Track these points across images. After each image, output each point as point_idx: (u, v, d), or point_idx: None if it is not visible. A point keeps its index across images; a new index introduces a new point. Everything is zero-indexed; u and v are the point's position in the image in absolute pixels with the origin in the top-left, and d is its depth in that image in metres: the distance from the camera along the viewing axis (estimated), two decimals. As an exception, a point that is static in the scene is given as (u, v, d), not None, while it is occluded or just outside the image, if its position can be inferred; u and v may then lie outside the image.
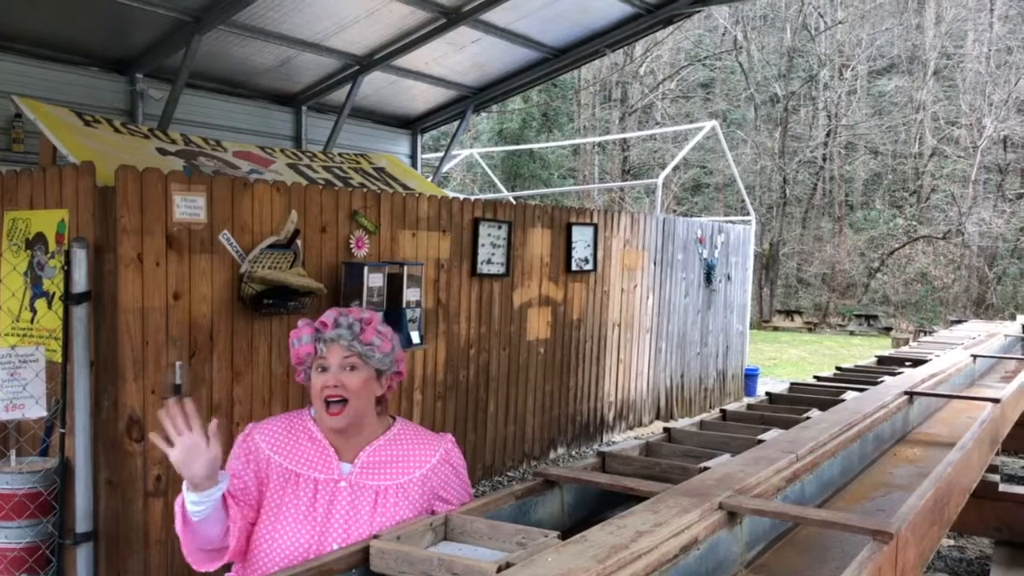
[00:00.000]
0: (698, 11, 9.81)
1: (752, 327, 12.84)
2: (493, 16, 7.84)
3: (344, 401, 1.97)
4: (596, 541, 1.79)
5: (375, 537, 1.86)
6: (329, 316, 2.02)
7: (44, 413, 3.95)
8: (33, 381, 3.87)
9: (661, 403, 9.11)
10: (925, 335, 9.85)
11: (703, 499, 2.12)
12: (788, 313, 25.00)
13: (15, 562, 3.76)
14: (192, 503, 1.87)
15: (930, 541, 2.51)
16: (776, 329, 23.52)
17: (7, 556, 3.76)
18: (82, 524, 3.90)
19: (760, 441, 2.97)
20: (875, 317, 24.06)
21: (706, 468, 2.54)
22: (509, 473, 6.86)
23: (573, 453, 7.60)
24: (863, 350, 16.32)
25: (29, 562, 3.81)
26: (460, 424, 6.32)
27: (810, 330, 23.73)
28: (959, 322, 9.96)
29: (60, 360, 3.98)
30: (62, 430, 3.99)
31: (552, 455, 7.43)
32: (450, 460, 2.13)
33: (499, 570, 1.66)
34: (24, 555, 3.79)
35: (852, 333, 23.10)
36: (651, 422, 8.84)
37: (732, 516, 2.13)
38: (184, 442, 1.83)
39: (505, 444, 6.86)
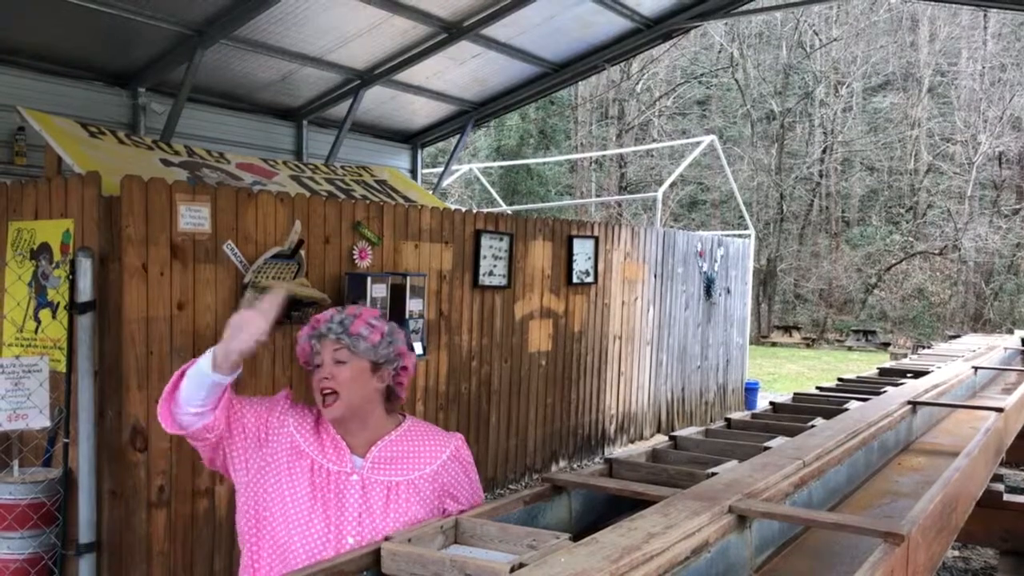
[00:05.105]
0: (696, 26, 9.91)
1: (750, 343, 12.85)
2: (494, 31, 7.91)
3: (335, 393, 2.00)
4: (608, 542, 1.79)
5: (387, 539, 1.87)
6: (326, 314, 2.08)
7: (48, 423, 3.95)
8: (37, 391, 3.86)
9: (662, 416, 9.10)
10: (924, 350, 9.87)
11: (713, 503, 2.12)
12: (786, 329, 25.01)
13: (17, 573, 3.74)
14: (203, 376, 1.92)
15: (939, 547, 2.51)
16: (774, 345, 23.53)
17: (9, 567, 3.74)
18: (85, 535, 3.88)
19: (766, 448, 2.97)
20: (873, 333, 24.08)
21: (714, 474, 2.54)
22: (511, 486, 6.84)
23: (575, 466, 7.58)
24: (861, 365, 16.30)
25: (31, 573, 3.78)
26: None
27: (808, 346, 23.74)
28: (956, 337, 9.98)
29: (64, 370, 3.98)
30: (65, 440, 3.98)
31: (554, 468, 7.41)
32: (460, 458, 2.15)
33: (512, 570, 1.66)
34: (26, 566, 3.77)
35: (850, 349, 23.11)
36: (652, 435, 8.83)
37: (741, 520, 2.13)
38: (252, 316, 1.93)
39: (507, 457, 6.84)
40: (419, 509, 2.01)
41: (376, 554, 1.83)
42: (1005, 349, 7.36)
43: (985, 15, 25.39)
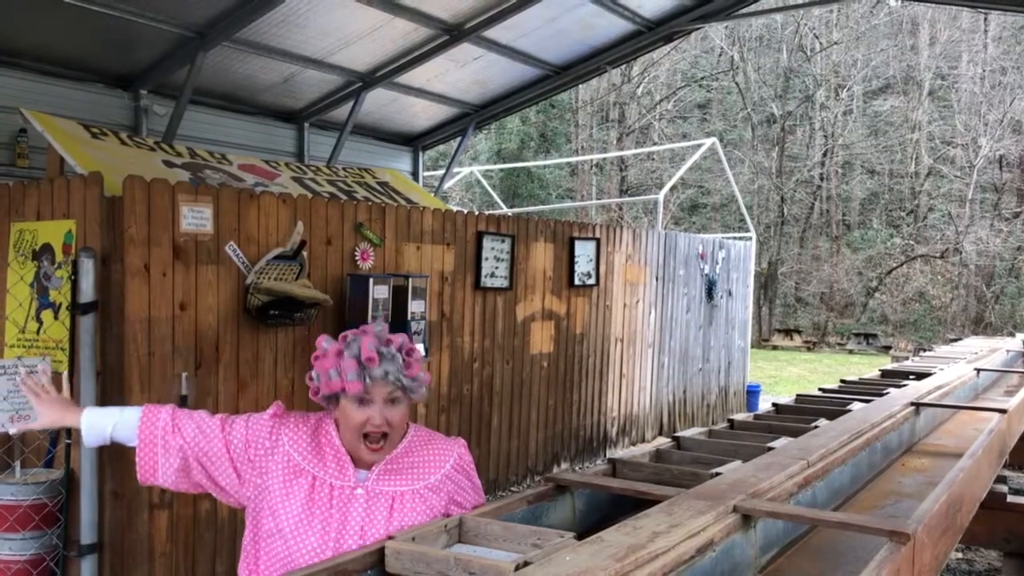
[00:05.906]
0: (698, 28, 9.91)
1: (751, 346, 12.84)
2: (495, 33, 7.91)
3: (385, 436, 1.98)
4: (612, 541, 1.78)
5: (390, 538, 1.85)
6: (371, 348, 1.93)
7: (49, 424, 3.93)
8: (39, 391, 3.85)
9: (664, 419, 9.09)
10: (925, 352, 9.86)
11: (717, 502, 2.11)
12: (787, 332, 25.00)
13: (19, 574, 3.73)
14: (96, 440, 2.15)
15: (944, 546, 2.50)
16: (775, 348, 23.52)
17: (11, 568, 3.73)
18: (87, 536, 3.87)
19: (770, 448, 2.96)
20: (874, 336, 24.06)
21: (718, 474, 2.54)
22: (513, 488, 6.83)
23: (576, 468, 7.57)
24: (863, 368, 16.28)
25: (33, 574, 3.78)
26: (464, 438, 6.29)
27: (809, 349, 23.73)
28: (957, 340, 9.97)
29: (66, 371, 3.97)
30: (68, 441, 3.97)
31: (555, 470, 7.40)
32: (463, 465, 2.14)
33: (516, 569, 1.65)
34: (28, 567, 3.76)
35: (851, 352, 23.10)
36: (654, 438, 8.81)
37: (746, 519, 2.12)
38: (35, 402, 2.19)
39: (509, 459, 6.83)
40: (423, 518, 1.99)
41: (379, 553, 1.82)
42: (1007, 352, 7.36)
43: (985, 18, 25.41)
